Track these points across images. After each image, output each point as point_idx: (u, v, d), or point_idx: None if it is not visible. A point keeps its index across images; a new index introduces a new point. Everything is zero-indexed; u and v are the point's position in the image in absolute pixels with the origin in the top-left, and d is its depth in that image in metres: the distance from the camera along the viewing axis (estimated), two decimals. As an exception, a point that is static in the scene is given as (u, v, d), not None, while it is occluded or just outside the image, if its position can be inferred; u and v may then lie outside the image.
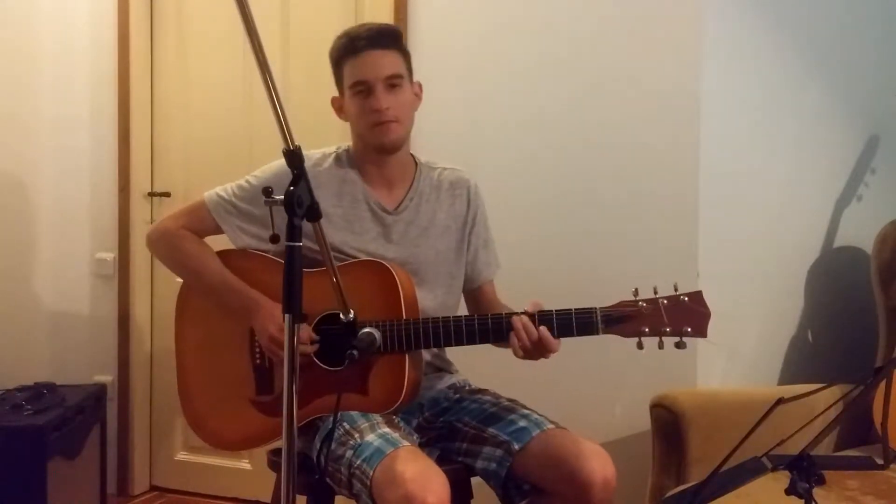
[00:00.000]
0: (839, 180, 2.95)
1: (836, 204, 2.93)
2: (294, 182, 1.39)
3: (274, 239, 1.50)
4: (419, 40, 2.86)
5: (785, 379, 2.83)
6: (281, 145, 1.39)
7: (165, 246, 2.04)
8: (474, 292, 2.14)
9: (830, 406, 1.61)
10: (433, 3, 2.86)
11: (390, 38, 1.96)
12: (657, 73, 2.58)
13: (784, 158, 2.82)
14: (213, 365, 2.03)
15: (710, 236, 2.56)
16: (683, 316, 1.73)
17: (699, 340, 2.47)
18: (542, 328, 1.78)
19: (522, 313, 1.81)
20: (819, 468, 1.33)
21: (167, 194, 3.35)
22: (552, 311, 1.80)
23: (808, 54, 2.87)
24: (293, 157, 1.39)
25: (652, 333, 1.75)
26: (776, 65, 2.78)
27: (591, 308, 1.78)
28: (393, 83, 1.93)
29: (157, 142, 3.38)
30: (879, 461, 1.48)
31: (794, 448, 1.35)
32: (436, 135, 2.84)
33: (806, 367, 2.86)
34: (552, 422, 1.91)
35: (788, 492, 1.33)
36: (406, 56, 1.99)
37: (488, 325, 1.83)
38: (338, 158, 2.02)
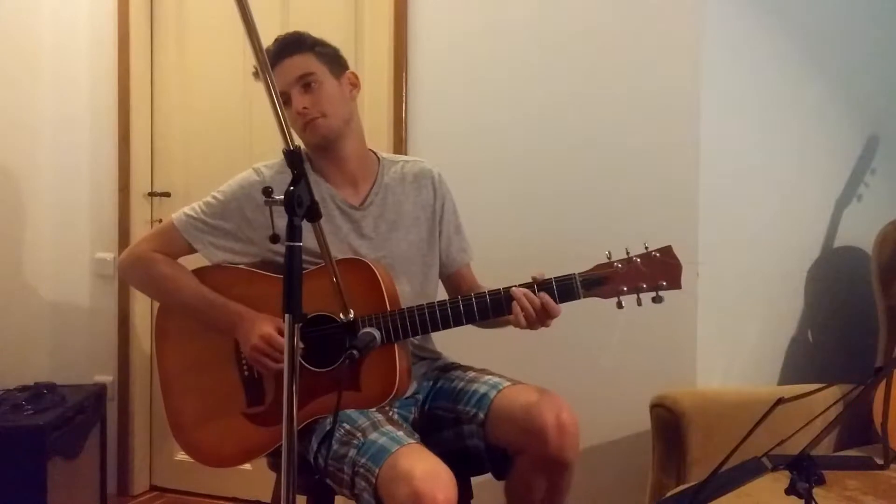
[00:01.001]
0: (839, 180, 2.95)
1: (836, 204, 2.93)
2: (294, 182, 1.39)
3: (274, 239, 1.50)
4: (419, 40, 2.87)
5: (785, 379, 2.83)
6: (281, 145, 1.39)
7: (139, 271, 2.04)
8: (452, 278, 2.16)
9: (830, 406, 1.61)
10: (433, 3, 2.86)
11: (292, 45, 1.98)
12: (657, 73, 2.58)
13: (784, 158, 2.82)
14: (201, 384, 2.02)
15: (710, 236, 2.56)
16: (658, 270, 1.80)
17: (698, 341, 2.51)
18: (543, 294, 1.80)
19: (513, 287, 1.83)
20: (819, 468, 1.33)
21: (167, 194, 3.35)
22: (530, 281, 1.83)
23: (807, 54, 2.87)
24: (293, 157, 1.39)
25: (630, 291, 1.81)
26: (776, 65, 2.78)
27: (570, 274, 1.83)
28: (306, 82, 1.96)
29: (157, 142, 3.38)
30: (879, 461, 1.48)
31: (794, 448, 1.35)
32: (435, 133, 2.85)
33: (806, 367, 2.86)
34: (510, 379, 1.93)
35: (788, 492, 1.33)
36: (321, 54, 2.00)
37: (486, 302, 1.84)
38: None
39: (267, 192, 1.45)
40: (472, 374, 2.02)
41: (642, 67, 2.60)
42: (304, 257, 1.72)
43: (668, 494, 2.15)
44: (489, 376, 1.97)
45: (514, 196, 2.74)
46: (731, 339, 2.66)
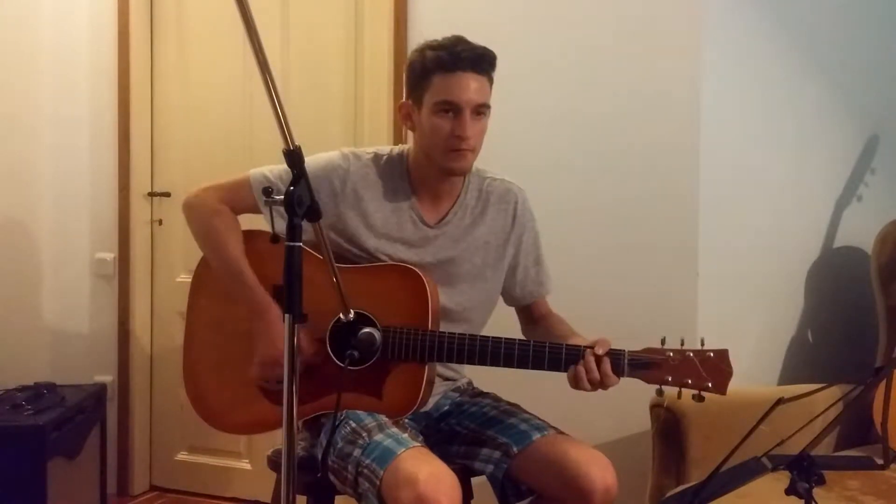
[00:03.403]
0: (839, 180, 2.95)
1: (836, 204, 2.93)
2: (294, 182, 1.38)
3: (274, 240, 1.50)
4: (419, 40, 2.85)
5: (785, 379, 2.83)
6: (281, 145, 1.38)
7: (199, 216, 1.97)
8: (527, 309, 2.12)
9: (830, 406, 1.62)
10: (433, 3, 2.86)
11: (489, 64, 1.89)
12: (657, 74, 2.58)
13: (784, 158, 2.82)
14: (225, 344, 1.99)
15: (710, 236, 2.56)
16: (707, 372, 1.78)
17: (698, 341, 2.50)
18: (605, 365, 1.77)
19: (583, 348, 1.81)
20: (819, 468, 1.33)
21: (167, 194, 3.35)
22: (580, 346, 1.81)
23: (807, 54, 2.87)
24: (293, 157, 1.39)
25: (674, 384, 1.79)
26: (776, 65, 2.78)
27: (619, 350, 1.80)
28: (480, 112, 1.87)
29: (157, 142, 3.38)
30: (879, 461, 1.49)
31: (794, 448, 1.35)
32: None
33: (806, 367, 2.86)
34: (553, 427, 1.92)
35: (788, 492, 1.33)
36: (492, 82, 1.92)
37: (544, 354, 1.82)
38: (390, 162, 1.97)
39: (267, 191, 1.45)
40: (506, 406, 2.00)
41: (642, 67, 2.60)
42: (350, 248, 1.88)
43: (668, 494, 2.15)
44: (528, 415, 1.96)
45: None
46: (732, 339, 2.65)
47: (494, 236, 2.02)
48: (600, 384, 1.79)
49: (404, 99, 1.99)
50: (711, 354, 1.78)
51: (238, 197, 1.95)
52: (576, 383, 1.80)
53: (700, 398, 1.78)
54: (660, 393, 1.80)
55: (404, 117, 1.96)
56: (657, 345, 1.81)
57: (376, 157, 1.98)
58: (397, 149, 2.01)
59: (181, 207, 2.03)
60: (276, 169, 1.94)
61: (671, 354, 1.78)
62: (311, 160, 1.89)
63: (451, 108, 1.85)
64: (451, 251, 1.98)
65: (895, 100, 3.10)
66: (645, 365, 1.79)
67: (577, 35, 2.68)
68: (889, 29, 3.09)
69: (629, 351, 1.80)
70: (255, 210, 1.95)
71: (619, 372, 1.79)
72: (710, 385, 1.77)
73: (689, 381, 1.78)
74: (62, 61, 3.35)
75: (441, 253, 1.97)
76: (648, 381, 1.80)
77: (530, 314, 2.12)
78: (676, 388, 1.79)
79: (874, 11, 3.07)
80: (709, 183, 2.55)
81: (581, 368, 1.78)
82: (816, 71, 2.90)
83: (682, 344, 1.79)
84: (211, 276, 2.01)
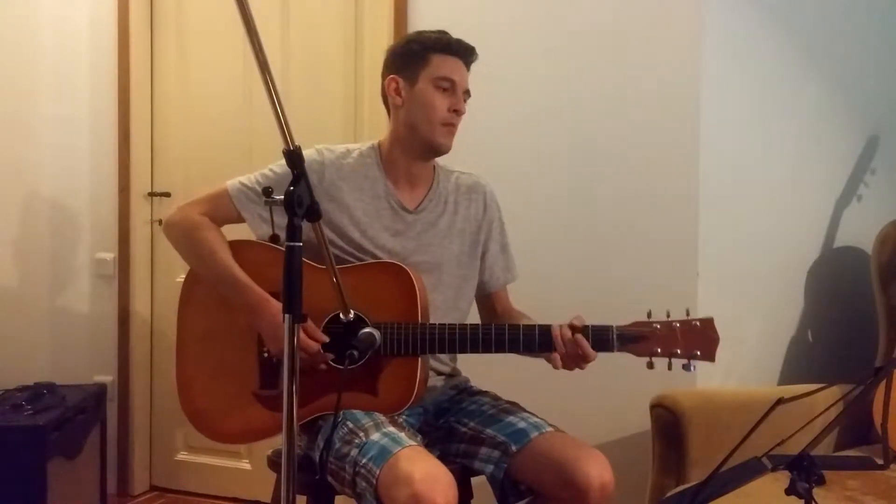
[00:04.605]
0: (839, 180, 2.95)
1: (836, 204, 2.93)
2: (294, 182, 1.39)
3: (274, 239, 1.50)
4: (419, 40, 2.86)
5: (785, 379, 2.83)
6: (281, 145, 1.39)
7: (182, 231, 2.00)
8: (489, 298, 2.15)
9: (830, 406, 1.61)
10: (433, 3, 2.86)
11: (472, 57, 2.05)
12: (657, 73, 2.58)
13: (784, 158, 2.82)
14: (216, 354, 2.00)
15: (710, 236, 2.56)
16: (695, 340, 1.80)
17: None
18: (579, 336, 1.80)
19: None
20: (819, 468, 1.33)
21: (167, 194, 3.35)
22: (567, 324, 1.83)
23: (807, 54, 2.87)
24: (293, 157, 1.39)
25: (663, 354, 1.81)
26: (776, 65, 2.78)
27: (607, 325, 1.82)
28: (465, 98, 2.02)
29: (157, 142, 3.38)
30: (879, 461, 1.49)
31: (794, 448, 1.35)
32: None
33: (806, 367, 2.86)
34: (551, 425, 1.92)
35: (788, 492, 1.33)
36: None
37: (535, 335, 1.84)
38: (363, 154, 2.04)
39: (267, 192, 1.45)
40: (505, 404, 2.02)
41: (642, 67, 2.60)
42: (333, 251, 1.84)
43: (668, 494, 2.15)
44: (526, 413, 1.97)
45: (511, 196, 2.73)
46: (731, 340, 2.65)
47: (468, 224, 2.08)
48: (581, 358, 1.81)
49: (389, 76, 2.04)
50: (697, 323, 1.81)
51: (218, 208, 1.99)
52: (554, 361, 1.83)
53: (689, 366, 1.80)
54: (650, 366, 1.80)
55: (393, 92, 2.02)
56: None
57: (348, 152, 2.04)
58: (369, 143, 2.08)
59: (163, 229, 2.07)
60: (250, 176, 2.00)
61: (658, 326, 1.81)
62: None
63: (450, 85, 1.98)
64: (432, 237, 2.02)
65: (895, 100, 3.10)
66: (633, 338, 1.82)
67: (577, 35, 2.68)
68: (889, 29, 3.09)
69: (616, 326, 1.82)
70: (236, 220, 1.99)
71: (608, 347, 1.81)
72: (698, 353, 1.80)
73: (679, 351, 1.80)
74: (62, 61, 3.35)
75: (422, 238, 2.01)
76: (638, 354, 1.82)
77: (493, 307, 2.15)
78: (666, 359, 1.81)
79: (874, 12, 3.07)
80: (709, 183, 2.55)
81: (558, 342, 1.81)
82: (816, 71, 2.90)
83: (668, 315, 1.82)
84: (198, 290, 2.03)
